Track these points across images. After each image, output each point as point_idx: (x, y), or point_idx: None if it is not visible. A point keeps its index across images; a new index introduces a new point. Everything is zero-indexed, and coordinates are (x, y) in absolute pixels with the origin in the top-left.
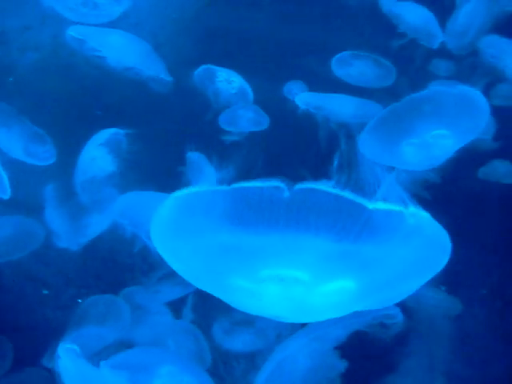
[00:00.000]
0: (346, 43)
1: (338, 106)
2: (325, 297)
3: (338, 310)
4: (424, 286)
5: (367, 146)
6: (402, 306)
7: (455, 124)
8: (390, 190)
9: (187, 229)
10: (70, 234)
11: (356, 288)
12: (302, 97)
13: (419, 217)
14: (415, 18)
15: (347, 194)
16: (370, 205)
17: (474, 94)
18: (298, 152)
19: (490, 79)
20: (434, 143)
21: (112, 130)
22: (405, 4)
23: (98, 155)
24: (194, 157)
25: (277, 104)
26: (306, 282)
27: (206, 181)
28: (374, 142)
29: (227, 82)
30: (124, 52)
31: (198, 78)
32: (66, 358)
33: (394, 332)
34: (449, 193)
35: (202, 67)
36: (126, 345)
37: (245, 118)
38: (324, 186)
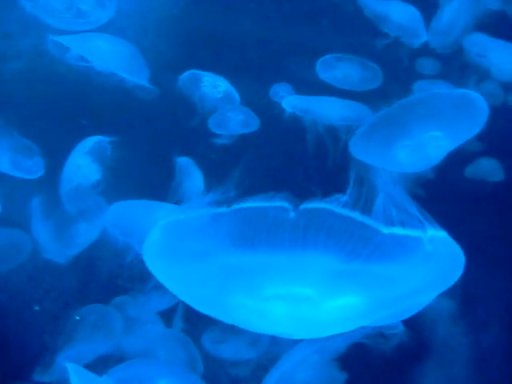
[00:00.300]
0: (332, 44)
1: (325, 109)
2: (331, 313)
3: (345, 325)
4: None
5: (359, 149)
6: None
7: (451, 126)
8: (403, 208)
9: (186, 253)
10: (56, 247)
11: (364, 304)
12: (288, 100)
13: (437, 241)
14: (400, 16)
15: (357, 216)
16: (384, 229)
17: (474, 96)
18: (290, 154)
19: (475, 77)
20: (429, 144)
21: (96, 138)
22: (390, 2)
23: (83, 164)
24: (183, 161)
25: (264, 107)
26: (313, 298)
27: (198, 194)
28: (366, 144)
29: (213, 86)
30: (109, 58)
31: (183, 83)
32: (74, 374)
33: (395, 343)
34: (436, 191)
35: (188, 72)
36: (117, 354)
37: (235, 121)
38: (331, 205)
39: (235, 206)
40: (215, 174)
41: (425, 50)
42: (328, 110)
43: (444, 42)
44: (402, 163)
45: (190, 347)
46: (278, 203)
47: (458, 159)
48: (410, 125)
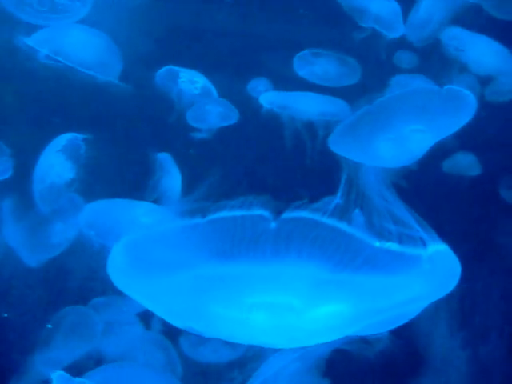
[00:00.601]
0: (309, 37)
1: (303, 105)
2: (316, 322)
3: (330, 334)
4: None
5: (339, 144)
6: None
7: (434, 120)
8: (399, 216)
9: (157, 267)
10: (30, 250)
11: (350, 313)
12: (265, 96)
13: (435, 257)
14: (379, 9)
15: (344, 227)
16: (376, 242)
17: (460, 92)
18: (269, 151)
19: (452, 71)
20: (411, 138)
21: (69, 136)
22: None
23: (56, 162)
24: (162, 158)
25: (242, 102)
26: (296, 308)
27: (176, 193)
28: (346, 139)
29: (190, 82)
30: (81, 53)
31: (160, 79)
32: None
33: (379, 348)
34: (415, 187)
35: (164, 68)
36: (95, 357)
37: (213, 113)
38: (314, 214)
39: (211, 216)
40: (194, 171)
41: (402, 44)
42: (306, 106)
43: (421, 35)
44: (383, 157)
45: (168, 350)
46: (257, 212)
47: (434, 154)
48: (393, 119)
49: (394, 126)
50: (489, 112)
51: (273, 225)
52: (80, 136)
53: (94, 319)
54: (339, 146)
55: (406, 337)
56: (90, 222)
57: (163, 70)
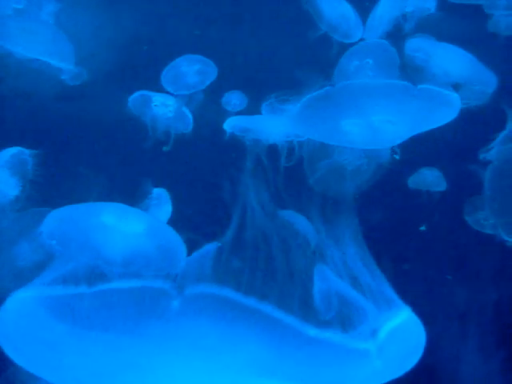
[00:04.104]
0: (271, 42)
1: (268, 127)
2: None
3: None
4: None
5: (302, 122)
6: None
7: (404, 114)
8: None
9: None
10: None
11: None
12: (229, 121)
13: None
14: (335, 12)
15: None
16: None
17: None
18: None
19: (417, 79)
20: (380, 127)
21: (14, 150)
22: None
23: None
24: (157, 193)
25: (216, 119)
26: None
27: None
28: (310, 117)
29: (164, 106)
30: (29, 40)
31: (132, 104)
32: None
33: None
34: (380, 204)
35: (137, 93)
36: None
37: (191, 73)
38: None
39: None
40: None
41: None
42: (271, 128)
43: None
44: (352, 140)
45: None
46: (157, 285)
47: (400, 170)
48: (360, 102)
49: (360, 109)
50: (456, 122)
51: (175, 304)
52: (27, 151)
53: None
54: (301, 124)
55: None
56: (51, 230)
57: (136, 95)
